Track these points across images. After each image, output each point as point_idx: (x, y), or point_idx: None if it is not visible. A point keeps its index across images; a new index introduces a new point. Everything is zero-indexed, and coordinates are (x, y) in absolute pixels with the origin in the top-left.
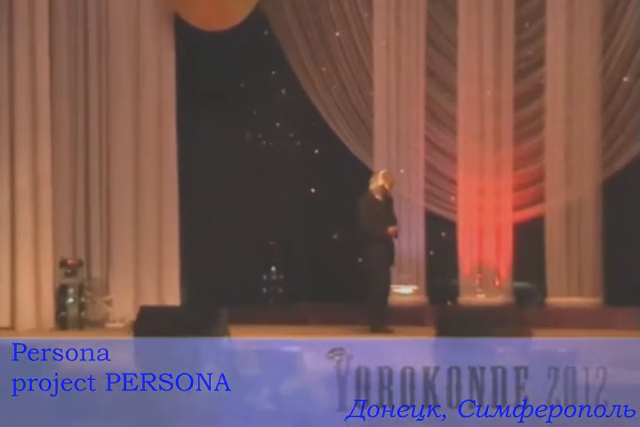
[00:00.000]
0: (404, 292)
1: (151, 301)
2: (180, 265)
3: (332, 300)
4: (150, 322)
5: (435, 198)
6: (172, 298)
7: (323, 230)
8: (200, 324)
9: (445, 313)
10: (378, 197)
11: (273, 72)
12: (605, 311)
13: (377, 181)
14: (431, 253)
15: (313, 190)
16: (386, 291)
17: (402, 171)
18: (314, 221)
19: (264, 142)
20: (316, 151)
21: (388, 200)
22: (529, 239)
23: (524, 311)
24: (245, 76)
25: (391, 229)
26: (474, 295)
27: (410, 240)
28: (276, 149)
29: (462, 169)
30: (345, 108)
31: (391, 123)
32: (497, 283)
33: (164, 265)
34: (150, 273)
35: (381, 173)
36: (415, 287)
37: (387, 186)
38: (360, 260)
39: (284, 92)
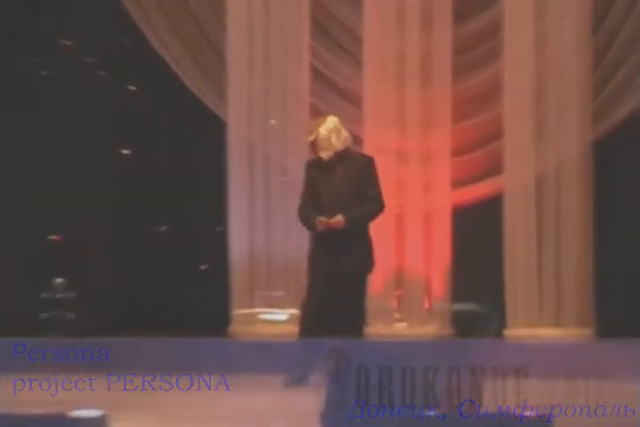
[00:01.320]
0: (276, 318)
1: None
2: None
3: (162, 330)
4: None
5: None
6: None
7: (144, 218)
8: None
9: (346, 353)
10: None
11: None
12: (600, 350)
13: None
14: None
15: (126, 152)
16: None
17: (272, 121)
18: (128, 203)
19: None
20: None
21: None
22: (477, 234)
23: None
24: None
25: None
26: (389, 324)
27: (287, 235)
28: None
29: (369, 118)
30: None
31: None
32: (426, 304)
33: None
34: None
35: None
36: (293, 312)
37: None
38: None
39: None
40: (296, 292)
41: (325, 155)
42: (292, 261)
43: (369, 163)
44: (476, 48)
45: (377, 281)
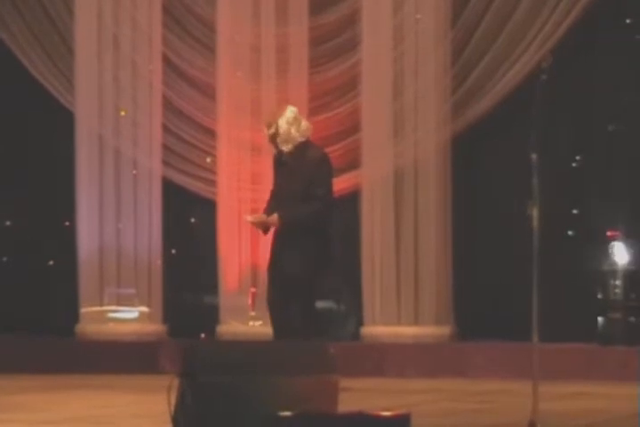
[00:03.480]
0: (126, 317)
1: None
2: None
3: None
4: None
5: (179, 160)
6: None
7: None
8: None
9: (196, 353)
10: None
11: None
12: (458, 349)
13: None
14: (173, 251)
15: None
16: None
17: (122, 113)
18: None
19: None
20: None
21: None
22: (335, 230)
23: (328, 349)
24: None
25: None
26: (244, 322)
27: (136, 229)
28: None
29: (223, 110)
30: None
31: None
32: None
33: None
34: None
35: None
36: (144, 309)
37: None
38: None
39: None
40: (147, 289)
41: (286, 147)
42: (142, 258)
43: (321, 160)
44: (334, 39)
45: (232, 278)
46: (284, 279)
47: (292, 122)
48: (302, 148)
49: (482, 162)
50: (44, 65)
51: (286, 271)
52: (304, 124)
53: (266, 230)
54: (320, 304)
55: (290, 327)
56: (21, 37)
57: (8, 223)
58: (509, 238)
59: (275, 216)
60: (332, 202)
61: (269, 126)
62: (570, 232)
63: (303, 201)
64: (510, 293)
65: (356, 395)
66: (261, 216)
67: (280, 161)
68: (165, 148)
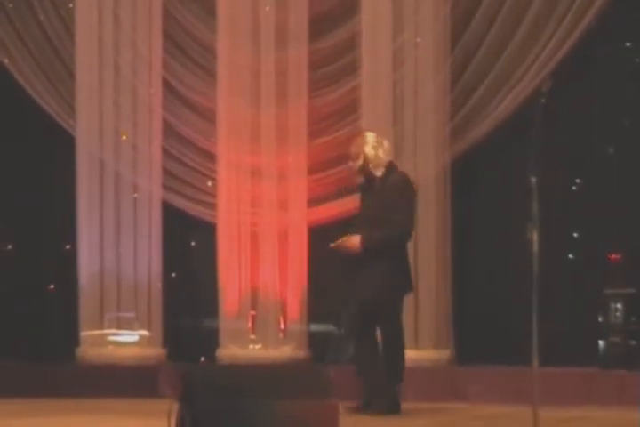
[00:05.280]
0: (126, 340)
1: None
2: None
3: (7, 352)
4: None
5: (179, 183)
6: None
7: None
8: None
9: (195, 376)
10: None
11: None
12: (458, 373)
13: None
14: (172, 275)
15: None
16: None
17: (124, 137)
18: None
19: None
20: None
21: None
22: (334, 253)
23: (327, 372)
24: None
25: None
26: (244, 346)
27: (136, 253)
28: None
29: (223, 134)
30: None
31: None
32: (282, 325)
33: None
34: None
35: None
36: (144, 333)
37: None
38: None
39: None
40: (147, 313)
41: (380, 172)
42: (142, 281)
43: (403, 185)
44: (333, 64)
45: (231, 301)
46: (364, 305)
47: (376, 146)
48: (389, 169)
49: (481, 185)
50: (45, 89)
51: (366, 297)
52: (386, 143)
53: (348, 253)
54: (318, 327)
55: (372, 355)
56: (23, 62)
57: (9, 247)
58: (509, 262)
59: (356, 238)
60: (410, 228)
61: (357, 158)
62: (570, 255)
63: (384, 225)
64: (510, 316)
65: (355, 419)
66: (342, 240)
67: (369, 187)
68: (165, 171)
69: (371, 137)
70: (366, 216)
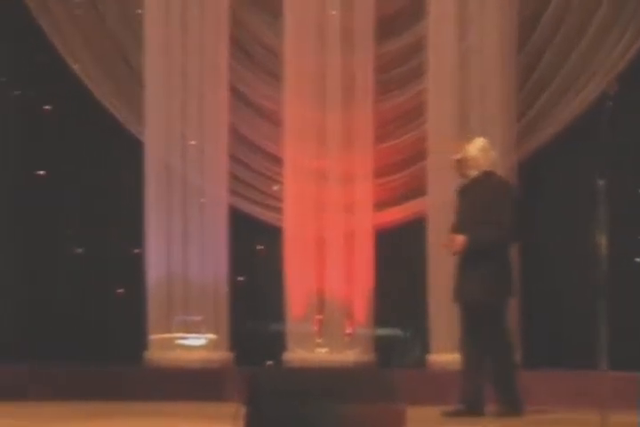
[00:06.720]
0: (193, 344)
1: None
2: None
3: (77, 355)
4: None
5: (246, 187)
6: None
7: (59, 241)
8: None
9: (262, 380)
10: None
11: None
12: (525, 377)
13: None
14: (239, 278)
15: (41, 172)
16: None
17: (192, 142)
18: (43, 225)
19: None
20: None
21: None
22: (401, 256)
23: (393, 377)
24: None
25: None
26: (310, 349)
27: (203, 257)
28: None
29: (289, 137)
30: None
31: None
32: (348, 330)
33: None
34: None
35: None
36: (211, 336)
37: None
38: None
39: None
40: (214, 316)
41: (472, 173)
42: (209, 285)
43: (505, 188)
44: (399, 67)
45: (298, 305)
46: (467, 307)
47: (481, 149)
48: (488, 175)
49: (548, 188)
50: (113, 95)
51: (469, 299)
52: (492, 153)
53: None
54: (384, 331)
55: (476, 357)
56: (92, 69)
57: (79, 251)
58: (576, 265)
59: (461, 238)
60: (511, 231)
61: (457, 152)
62: (637, 259)
63: (485, 227)
64: (577, 320)
65: (423, 424)
66: (448, 240)
67: (464, 189)
68: (232, 176)
69: (480, 141)
70: (466, 218)
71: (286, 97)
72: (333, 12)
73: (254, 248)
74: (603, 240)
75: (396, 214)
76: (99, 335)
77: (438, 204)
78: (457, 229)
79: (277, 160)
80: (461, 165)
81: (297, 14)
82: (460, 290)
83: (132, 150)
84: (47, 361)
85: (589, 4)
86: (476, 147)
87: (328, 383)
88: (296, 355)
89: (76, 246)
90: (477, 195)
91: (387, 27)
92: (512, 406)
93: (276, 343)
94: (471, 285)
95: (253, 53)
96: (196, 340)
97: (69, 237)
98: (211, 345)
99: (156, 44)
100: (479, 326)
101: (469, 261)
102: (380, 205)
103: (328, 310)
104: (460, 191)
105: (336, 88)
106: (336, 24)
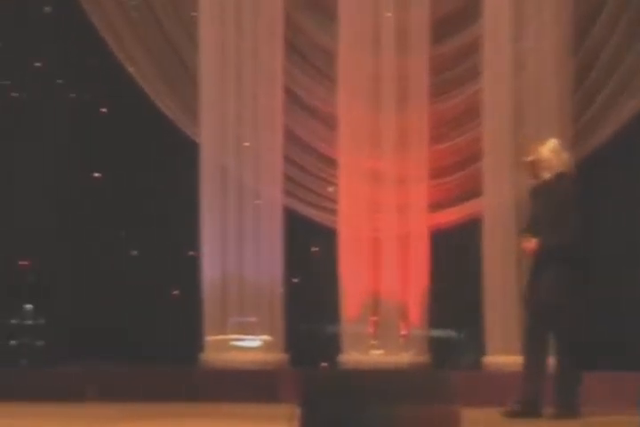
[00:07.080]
0: (248, 345)
1: None
2: None
3: (133, 357)
4: None
5: (300, 189)
6: None
7: (115, 243)
8: None
9: (317, 382)
10: None
11: None
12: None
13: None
14: (294, 280)
15: (97, 175)
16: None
17: (246, 144)
18: (98, 227)
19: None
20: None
21: None
22: (456, 258)
23: (448, 378)
24: None
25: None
26: (365, 351)
27: (258, 259)
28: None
29: (344, 140)
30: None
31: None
32: (403, 331)
33: None
34: None
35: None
36: (266, 338)
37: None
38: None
39: None
40: (269, 318)
41: (546, 175)
42: (264, 287)
43: (575, 189)
44: (454, 68)
45: (352, 307)
46: (539, 307)
47: (553, 150)
48: (560, 177)
49: (604, 189)
50: (168, 97)
51: (541, 299)
52: (565, 154)
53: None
54: (439, 333)
55: (540, 359)
56: (148, 71)
57: (135, 253)
58: (632, 265)
59: (532, 242)
60: (574, 233)
61: (530, 154)
62: None
63: (556, 229)
64: (630, 322)
65: (479, 426)
66: (521, 242)
67: (537, 190)
68: (287, 177)
69: (552, 143)
70: (540, 220)
71: (341, 99)
72: (388, 14)
73: (309, 250)
74: None
75: (451, 216)
76: (155, 337)
77: (494, 205)
78: (529, 230)
79: (332, 162)
80: (534, 166)
81: (352, 16)
82: (531, 291)
83: (187, 152)
84: (103, 363)
85: None
86: (549, 148)
87: (383, 385)
88: (351, 357)
89: (131, 248)
90: (550, 196)
91: (441, 28)
92: (569, 409)
93: (331, 345)
94: (544, 286)
95: (308, 56)
96: (252, 341)
97: (125, 239)
98: (266, 347)
99: (211, 46)
100: (547, 328)
101: (541, 262)
102: (435, 206)
103: (383, 312)
104: (532, 193)
105: (391, 90)
106: (391, 26)
